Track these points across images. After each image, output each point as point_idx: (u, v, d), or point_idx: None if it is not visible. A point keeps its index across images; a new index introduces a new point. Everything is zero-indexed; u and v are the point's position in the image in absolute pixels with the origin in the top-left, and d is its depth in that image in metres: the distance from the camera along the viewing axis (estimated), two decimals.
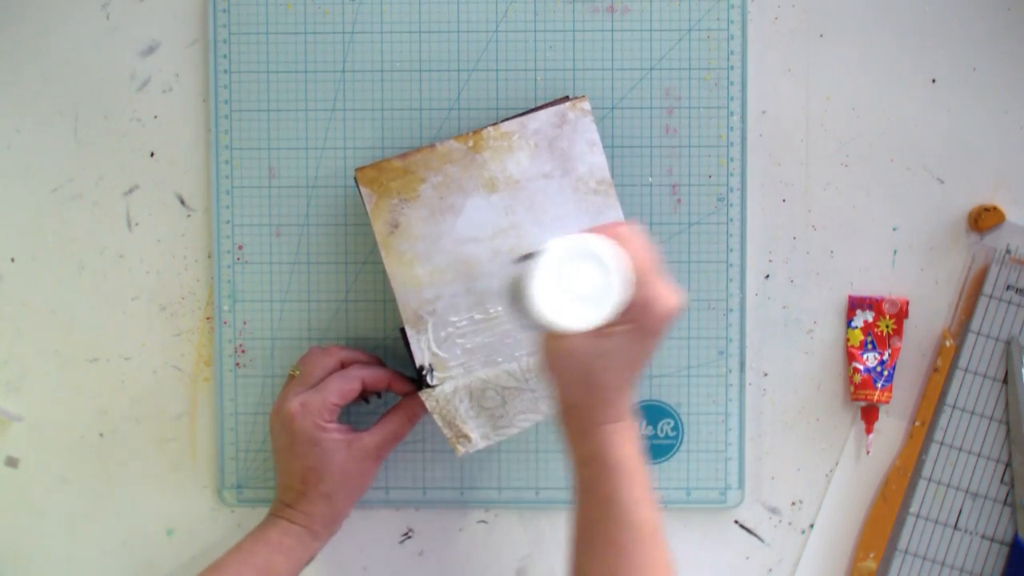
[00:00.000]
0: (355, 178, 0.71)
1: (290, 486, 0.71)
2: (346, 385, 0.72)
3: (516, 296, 0.63)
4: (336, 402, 0.71)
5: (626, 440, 0.62)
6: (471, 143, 0.71)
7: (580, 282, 0.59)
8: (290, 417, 0.70)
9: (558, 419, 0.64)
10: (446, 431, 0.72)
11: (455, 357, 0.72)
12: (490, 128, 0.71)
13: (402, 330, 0.72)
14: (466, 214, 0.71)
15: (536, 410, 0.73)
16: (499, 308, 0.72)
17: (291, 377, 0.74)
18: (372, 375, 0.73)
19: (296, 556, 0.71)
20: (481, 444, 0.72)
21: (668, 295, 0.60)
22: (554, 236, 0.70)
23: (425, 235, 0.71)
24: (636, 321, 0.60)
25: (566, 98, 0.73)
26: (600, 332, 0.60)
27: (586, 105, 0.71)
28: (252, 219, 0.78)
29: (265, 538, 0.71)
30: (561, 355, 0.61)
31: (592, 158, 0.72)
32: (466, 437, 0.72)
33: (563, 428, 0.63)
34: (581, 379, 0.61)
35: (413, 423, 0.74)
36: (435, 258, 0.71)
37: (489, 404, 0.72)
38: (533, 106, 0.74)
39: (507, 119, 0.72)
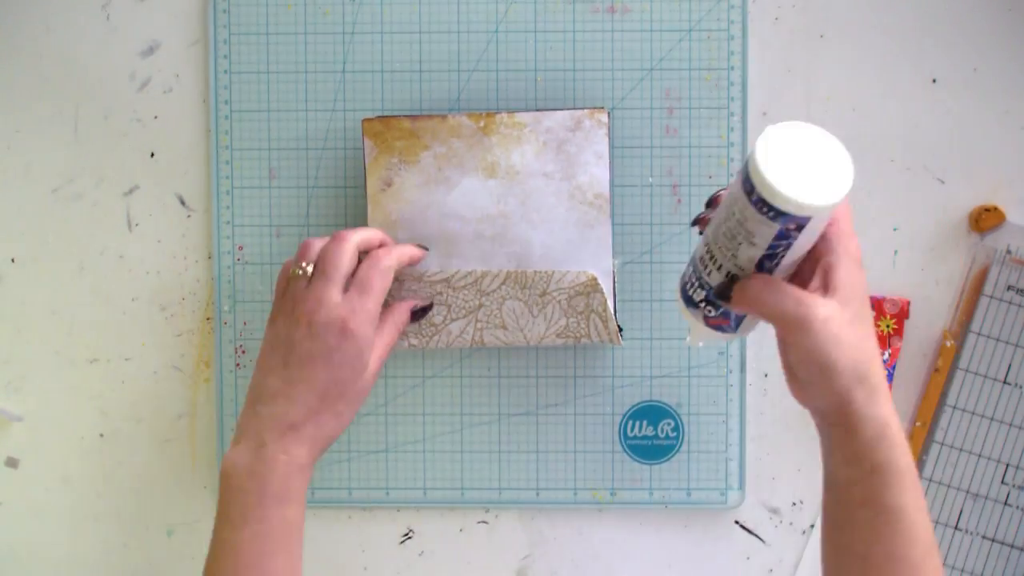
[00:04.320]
0: (362, 128, 0.72)
1: (302, 401, 0.63)
2: (384, 282, 0.65)
3: (738, 227, 0.56)
4: (380, 305, 0.65)
5: (905, 441, 0.56)
6: (482, 123, 0.72)
7: (808, 163, 0.53)
8: (341, 324, 0.62)
9: (833, 429, 0.57)
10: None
11: (414, 324, 0.73)
12: (504, 114, 0.72)
13: None
14: (459, 191, 0.72)
15: (472, 336, 0.73)
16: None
17: (299, 277, 0.65)
18: (385, 252, 0.67)
19: (302, 500, 0.63)
20: (404, 345, 0.73)
21: None
22: (540, 234, 0.71)
23: (414, 201, 0.72)
24: (853, 266, 0.56)
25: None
26: (841, 295, 0.55)
27: (604, 117, 0.72)
28: (252, 219, 0.78)
29: (268, 491, 0.62)
30: (834, 337, 0.54)
31: (596, 170, 0.72)
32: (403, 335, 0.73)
33: (842, 438, 0.56)
34: (857, 365, 0.54)
35: (400, 331, 0.70)
36: (418, 226, 0.72)
37: (436, 320, 0.73)
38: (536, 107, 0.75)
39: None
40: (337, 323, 0.63)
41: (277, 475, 0.62)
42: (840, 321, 0.55)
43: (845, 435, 0.56)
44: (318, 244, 0.67)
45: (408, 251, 0.70)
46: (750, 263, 0.56)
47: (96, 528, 0.80)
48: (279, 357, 0.64)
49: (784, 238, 0.54)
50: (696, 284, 0.60)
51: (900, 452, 0.55)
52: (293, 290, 0.65)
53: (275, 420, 0.63)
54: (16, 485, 0.80)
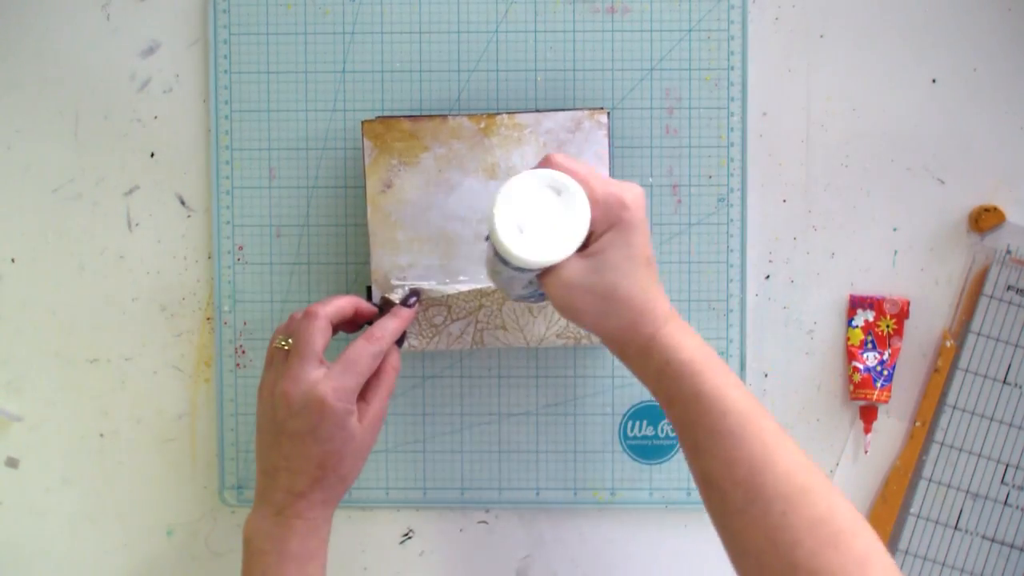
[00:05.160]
0: (361, 129, 0.72)
1: (303, 472, 0.65)
2: (374, 361, 0.67)
3: (494, 266, 0.63)
4: (364, 381, 0.66)
5: (685, 335, 0.61)
6: (483, 125, 0.72)
7: (544, 215, 0.58)
8: (319, 401, 0.64)
9: (614, 354, 0.63)
10: None
11: (415, 324, 0.74)
12: (504, 115, 0.72)
13: (368, 288, 0.74)
14: (460, 193, 0.72)
15: (472, 337, 0.74)
16: (468, 283, 0.73)
17: (280, 350, 0.67)
18: (381, 332, 0.68)
19: (322, 553, 0.67)
20: (405, 346, 0.73)
21: (625, 184, 0.61)
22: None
23: (415, 202, 0.72)
24: (616, 221, 0.60)
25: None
26: (590, 251, 0.60)
27: (603, 118, 0.72)
28: (252, 219, 0.78)
29: (287, 552, 0.65)
30: (571, 292, 0.60)
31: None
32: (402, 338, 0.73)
33: (622, 359, 0.63)
34: (603, 304, 0.60)
35: (397, 373, 0.71)
36: (419, 227, 0.72)
37: (436, 321, 0.73)
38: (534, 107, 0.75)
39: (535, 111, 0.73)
40: (315, 402, 0.64)
41: (295, 536, 0.66)
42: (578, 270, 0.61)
43: (622, 358, 0.63)
44: (303, 321, 0.67)
45: (401, 324, 0.69)
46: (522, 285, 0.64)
47: (96, 528, 0.80)
48: (272, 434, 0.66)
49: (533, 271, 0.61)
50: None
51: (676, 350, 0.60)
52: (276, 363, 0.67)
53: (283, 492, 0.66)
54: (16, 485, 0.80)
